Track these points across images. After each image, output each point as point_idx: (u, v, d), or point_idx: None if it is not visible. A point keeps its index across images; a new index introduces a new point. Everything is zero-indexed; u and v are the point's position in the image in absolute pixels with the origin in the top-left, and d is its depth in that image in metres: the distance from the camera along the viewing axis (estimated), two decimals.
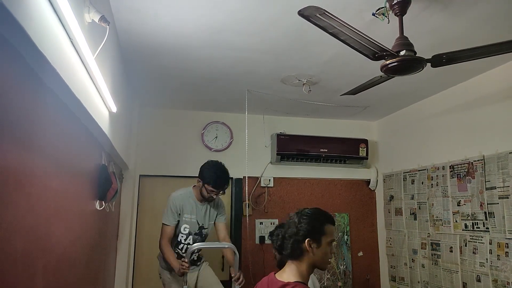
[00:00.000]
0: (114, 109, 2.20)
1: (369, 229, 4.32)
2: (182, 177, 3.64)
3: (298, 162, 4.11)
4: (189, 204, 2.89)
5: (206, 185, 2.78)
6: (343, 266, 4.17)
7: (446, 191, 3.25)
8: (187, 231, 2.88)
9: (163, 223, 2.86)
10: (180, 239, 2.89)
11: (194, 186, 2.96)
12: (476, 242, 2.92)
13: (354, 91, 2.51)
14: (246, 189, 3.86)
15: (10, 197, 1.07)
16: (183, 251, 2.88)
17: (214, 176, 2.78)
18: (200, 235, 2.94)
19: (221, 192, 2.83)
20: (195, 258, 2.96)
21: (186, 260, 2.63)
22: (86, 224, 2.11)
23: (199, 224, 2.91)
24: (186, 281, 2.67)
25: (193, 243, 2.84)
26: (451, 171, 3.21)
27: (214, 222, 3.00)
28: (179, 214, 2.86)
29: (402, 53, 1.84)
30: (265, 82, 3.17)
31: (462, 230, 3.06)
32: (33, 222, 1.26)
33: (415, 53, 1.87)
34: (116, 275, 3.48)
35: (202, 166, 2.88)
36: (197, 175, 2.87)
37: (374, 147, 4.36)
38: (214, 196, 2.84)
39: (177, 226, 2.88)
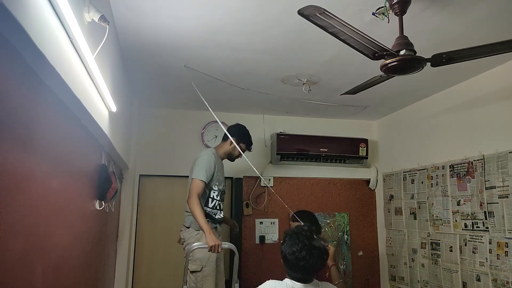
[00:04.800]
0: (114, 108, 2.20)
1: (369, 228, 4.32)
2: (182, 177, 3.63)
3: (298, 161, 4.11)
4: (219, 162, 2.99)
5: (241, 144, 2.98)
6: (343, 266, 4.17)
7: (446, 191, 3.25)
8: (218, 187, 2.92)
9: (196, 178, 2.74)
10: (213, 196, 2.89)
11: (216, 147, 3.10)
12: (476, 241, 2.92)
13: (354, 91, 2.50)
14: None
15: (10, 197, 1.07)
16: (216, 208, 2.89)
17: (249, 137, 3.05)
18: (224, 191, 3.03)
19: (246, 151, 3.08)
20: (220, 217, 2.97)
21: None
22: (86, 224, 2.11)
23: (224, 182, 3.01)
24: (186, 281, 2.66)
25: (221, 199, 2.93)
26: (451, 171, 3.21)
27: None
28: (214, 172, 2.86)
29: (402, 52, 1.84)
30: (265, 82, 3.17)
31: (462, 229, 3.06)
32: (33, 222, 1.26)
33: (415, 52, 1.87)
34: (116, 275, 3.47)
35: (233, 126, 3.09)
36: (227, 136, 2.96)
37: (374, 146, 4.36)
38: (239, 156, 3.04)
39: (208, 184, 2.84)
